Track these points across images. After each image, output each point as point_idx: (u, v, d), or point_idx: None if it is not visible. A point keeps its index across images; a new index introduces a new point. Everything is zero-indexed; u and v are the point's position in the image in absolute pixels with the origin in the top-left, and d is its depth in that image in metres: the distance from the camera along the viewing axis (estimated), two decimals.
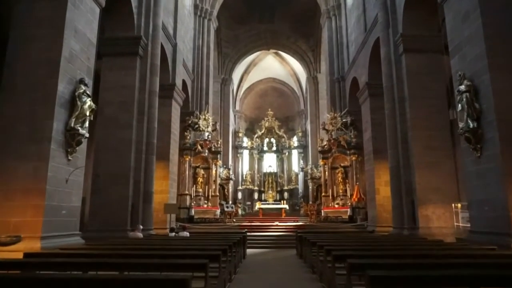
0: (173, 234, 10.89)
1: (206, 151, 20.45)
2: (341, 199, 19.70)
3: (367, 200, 17.08)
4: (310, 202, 25.42)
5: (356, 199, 18.03)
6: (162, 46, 15.12)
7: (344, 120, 19.68)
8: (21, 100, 7.60)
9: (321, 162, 21.38)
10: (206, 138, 20.35)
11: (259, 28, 30.52)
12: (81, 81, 8.37)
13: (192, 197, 19.66)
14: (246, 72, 35.84)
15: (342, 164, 20.11)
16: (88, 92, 8.41)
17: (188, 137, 19.87)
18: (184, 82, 19.25)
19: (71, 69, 8.21)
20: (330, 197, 19.99)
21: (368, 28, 16.03)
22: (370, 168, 16.13)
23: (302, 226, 18.57)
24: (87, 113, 8.23)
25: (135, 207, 11.58)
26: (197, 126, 20.32)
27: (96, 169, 11.75)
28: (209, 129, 20.75)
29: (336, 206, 19.68)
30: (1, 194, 7.17)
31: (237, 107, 36.11)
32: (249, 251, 13.21)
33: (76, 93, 8.11)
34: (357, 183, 18.46)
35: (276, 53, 34.27)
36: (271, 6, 29.76)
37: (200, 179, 20.31)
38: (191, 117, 20.29)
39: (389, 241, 8.95)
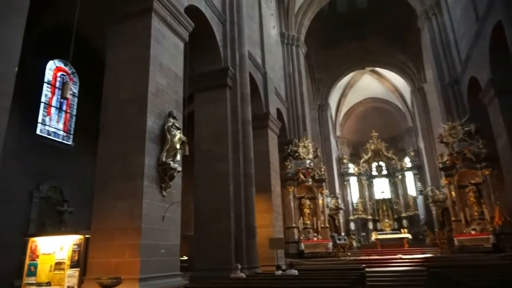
0: (280, 272, 9.76)
1: (310, 179, 19.22)
2: (478, 224, 16.18)
3: None
4: (436, 229, 21.90)
5: (499, 222, 14.58)
6: (251, 76, 14.95)
7: (466, 128, 16.60)
8: (114, 139, 7.66)
9: (444, 181, 18.26)
10: (308, 166, 19.19)
11: (350, 48, 29.08)
12: (170, 115, 8.19)
13: (300, 230, 18.40)
14: (343, 95, 34.30)
15: (472, 181, 16.69)
16: (177, 124, 8.18)
17: (289, 167, 18.99)
18: (278, 111, 18.77)
19: (159, 104, 8.11)
20: (463, 222, 16.60)
21: (480, 15, 13.54)
22: None
23: (433, 259, 15.62)
24: (178, 146, 7.93)
25: (238, 244, 10.88)
26: (297, 154, 19.37)
27: (197, 205, 11.50)
28: (310, 156, 19.59)
29: (473, 232, 16.20)
30: (103, 234, 7.04)
31: (338, 133, 34.41)
32: None
33: (165, 127, 7.91)
34: (498, 202, 15.02)
35: (373, 71, 32.20)
36: (359, 23, 28.33)
37: (306, 210, 19.01)
38: (290, 145, 19.49)
39: None
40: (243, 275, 8.81)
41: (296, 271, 9.76)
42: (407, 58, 28.29)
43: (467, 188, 16.84)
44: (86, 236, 5.48)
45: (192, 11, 10.77)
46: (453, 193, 17.29)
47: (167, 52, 8.80)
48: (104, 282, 6.54)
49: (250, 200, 11.73)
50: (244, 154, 12.07)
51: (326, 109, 30.81)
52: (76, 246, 5.39)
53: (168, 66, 8.74)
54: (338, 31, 28.67)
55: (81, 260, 5.29)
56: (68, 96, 6.27)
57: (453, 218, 17.24)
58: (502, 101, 13.10)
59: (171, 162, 7.70)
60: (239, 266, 9.16)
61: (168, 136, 7.86)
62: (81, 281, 5.25)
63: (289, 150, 19.28)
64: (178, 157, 7.97)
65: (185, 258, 16.37)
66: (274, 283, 6.83)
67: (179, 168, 7.95)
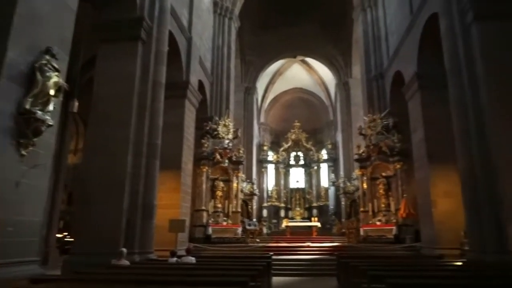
0: (174, 259, 8.37)
1: (226, 161, 18.02)
2: (384, 215, 16.59)
3: (419, 216, 14.02)
4: (343, 220, 22.47)
5: (404, 215, 14.94)
6: (173, 37, 13.16)
7: (385, 122, 16.83)
8: None
9: (357, 172, 18.48)
10: (226, 146, 17.94)
11: (284, 33, 28.21)
12: (48, 51, 6.18)
13: (210, 213, 17.16)
14: (271, 82, 33.70)
15: (383, 174, 17.06)
16: (55, 65, 6.19)
17: (206, 145, 17.51)
18: (201, 83, 17.14)
19: (33, 34, 6.04)
20: (370, 212, 16.95)
21: (415, 9, 13.44)
22: (423, 176, 13.19)
23: (341, 248, 15.62)
24: (52, 92, 5.99)
25: (132, 224, 9.19)
26: (216, 133, 17.99)
27: (85, 176, 9.52)
28: (230, 136, 18.35)
29: (378, 223, 16.60)
30: None
31: (262, 119, 33.83)
32: (275, 280, 10.52)
33: (37, 65, 5.91)
34: (405, 195, 15.41)
35: (303, 61, 32.05)
36: (297, 9, 27.58)
37: (219, 193, 17.80)
38: (209, 122, 18.01)
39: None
40: (127, 262, 7.23)
41: (193, 258, 8.45)
42: (338, 51, 28.44)
43: (378, 180, 17.20)
44: None
45: None
46: (364, 184, 17.54)
47: None
48: None
49: (152, 174, 10.04)
50: (150, 121, 10.29)
51: (252, 93, 29.88)
52: None
53: None
54: (274, 15, 27.63)
55: None
56: None
57: (361, 209, 17.54)
58: (424, 96, 13.24)
59: (38, 112, 5.76)
60: (125, 251, 7.54)
61: (39, 77, 5.87)
62: None
63: (208, 128, 17.81)
64: (51, 107, 6.04)
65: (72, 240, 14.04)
66: (156, 275, 5.38)
67: (51, 122, 6.02)
